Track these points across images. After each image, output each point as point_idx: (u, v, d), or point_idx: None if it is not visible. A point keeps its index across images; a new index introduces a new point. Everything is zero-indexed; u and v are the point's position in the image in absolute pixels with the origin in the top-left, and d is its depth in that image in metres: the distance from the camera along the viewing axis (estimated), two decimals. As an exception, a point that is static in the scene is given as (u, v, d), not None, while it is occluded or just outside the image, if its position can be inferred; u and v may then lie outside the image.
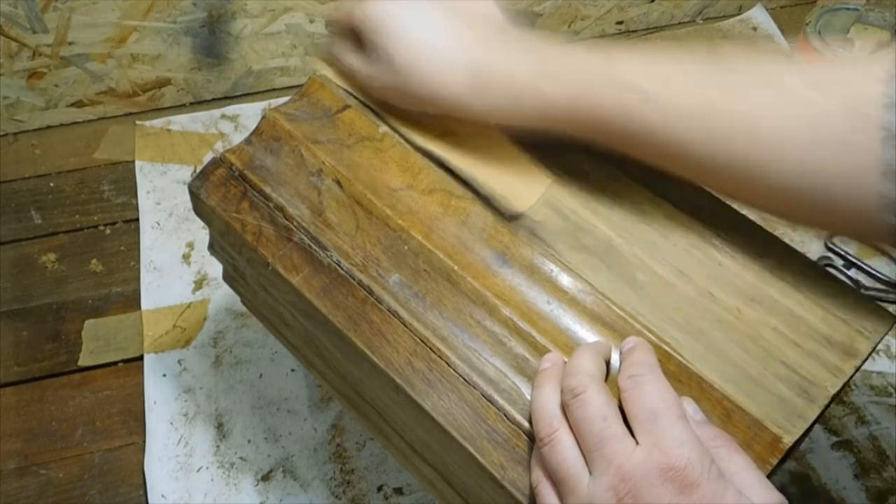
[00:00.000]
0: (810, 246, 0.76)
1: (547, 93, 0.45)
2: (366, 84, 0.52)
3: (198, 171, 0.56)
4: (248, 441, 0.64)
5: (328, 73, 0.55)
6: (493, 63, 0.47)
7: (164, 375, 0.68)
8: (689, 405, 0.41)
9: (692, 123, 0.42)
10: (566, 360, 0.42)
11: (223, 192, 0.52)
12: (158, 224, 0.78)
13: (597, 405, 0.38)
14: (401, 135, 0.52)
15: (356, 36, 0.50)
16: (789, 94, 0.41)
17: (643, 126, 0.43)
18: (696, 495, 0.35)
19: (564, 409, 0.39)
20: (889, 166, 0.38)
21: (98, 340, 0.70)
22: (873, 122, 0.38)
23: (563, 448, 0.38)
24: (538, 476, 0.39)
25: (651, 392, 0.38)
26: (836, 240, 0.76)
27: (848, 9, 0.81)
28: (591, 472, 0.37)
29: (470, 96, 0.47)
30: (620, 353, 0.43)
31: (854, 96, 0.39)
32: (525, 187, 0.50)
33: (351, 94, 0.54)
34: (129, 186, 0.81)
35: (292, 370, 0.68)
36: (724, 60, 0.43)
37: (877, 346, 0.45)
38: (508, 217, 0.48)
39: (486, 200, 0.49)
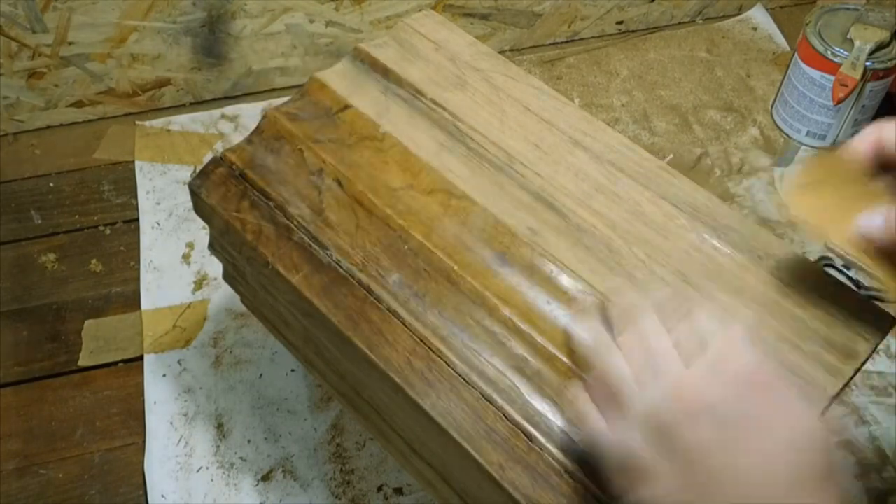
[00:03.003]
0: (810, 246, 0.76)
1: None
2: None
3: (198, 171, 0.56)
4: (248, 441, 0.64)
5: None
6: None
7: (164, 375, 0.68)
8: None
9: None
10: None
11: (223, 190, 0.52)
12: (158, 224, 0.78)
13: (646, 328, 0.39)
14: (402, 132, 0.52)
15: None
16: None
17: None
18: (770, 392, 0.36)
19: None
20: None
21: (98, 340, 0.70)
22: None
23: (618, 362, 0.39)
24: (580, 397, 0.40)
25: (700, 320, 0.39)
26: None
27: (848, 9, 0.81)
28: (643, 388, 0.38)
29: None
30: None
31: None
32: None
33: (358, 88, 0.53)
34: (129, 186, 0.81)
35: (292, 370, 0.68)
36: None
37: (876, 347, 0.45)
38: None
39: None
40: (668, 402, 0.36)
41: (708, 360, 0.37)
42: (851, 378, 0.44)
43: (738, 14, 0.98)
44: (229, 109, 0.87)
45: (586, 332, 0.42)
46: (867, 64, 0.77)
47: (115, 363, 0.69)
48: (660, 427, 0.36)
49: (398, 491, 0.62)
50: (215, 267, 0.69)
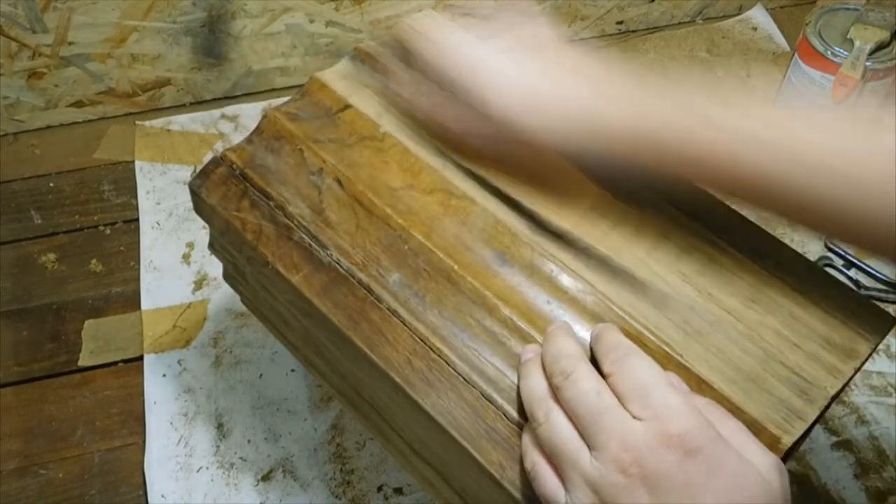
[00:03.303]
0: (810, 246, 0.76)
1: (604, 114, 0.44)
2: (418, 106, 0.50)
3: (198, 170, 0.57)
4: (248, 441, 0.64)
5: (370, 91, 0.54)
6: (548, 81, 0.45)
7: (164, 375, 0.68)
8: (674, 378, 0.41)
9: (754, 148, 0.41)
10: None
11: (224, 190, 0.52)
12: (158, 224, 0.78)
13: (589, 381, 0.39)
14: (402, 131, 0.52)
15: (407, 56, 0.50)
16: (854, 133, 0.41)
17: (704, 149, 0.42)
18: (700, 458, 0.35)
19: (555, 392, 0.40)
20: None
21: (98, 340, 0.70)
22: None
23: (561, 424, 0.38)
24: (534, 458, 0.39)
25: (637, 368, 0.39)
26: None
27: (848, 9, 0.81)
28: (590, 449, 0.37)
29: (522, 115, 0.45)
30: (590, 341, 0.43)
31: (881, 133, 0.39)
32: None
33: (359, 88, 0.54)
34: (129, 186, 0.81)
35: (292, 370, 0.68)
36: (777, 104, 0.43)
37: (877, 347, 0.45)
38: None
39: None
40: (612, 473, 0.36)
41: (651, 422, 0.36)
42: (851, 378, 0.44)
43: (738, 14, 0.98)
44: (229, 109, 0.87)
45: (526, 385, 0.41)
46: (867, 64, 0.77)
47: (115, 363, 0.69)
48: (603, 500, 0.36)
49: (398, 491, 0.62)
50: (215, 267, 0.69)
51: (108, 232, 0.78)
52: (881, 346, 0.69)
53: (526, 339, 0.44)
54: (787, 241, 0.65)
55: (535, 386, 0.41)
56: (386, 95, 0.53)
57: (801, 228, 0.45)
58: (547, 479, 0.38)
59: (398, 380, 0.44)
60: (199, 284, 0.73)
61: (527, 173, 0.49)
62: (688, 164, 0.43)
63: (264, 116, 0.54)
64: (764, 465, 0.36)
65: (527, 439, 0.40)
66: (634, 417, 0.37)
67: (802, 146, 0.40)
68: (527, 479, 0.40)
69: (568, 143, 0.45)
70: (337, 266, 0.48)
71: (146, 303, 0.72)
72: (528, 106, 0.45)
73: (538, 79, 0.46)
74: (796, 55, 0.82)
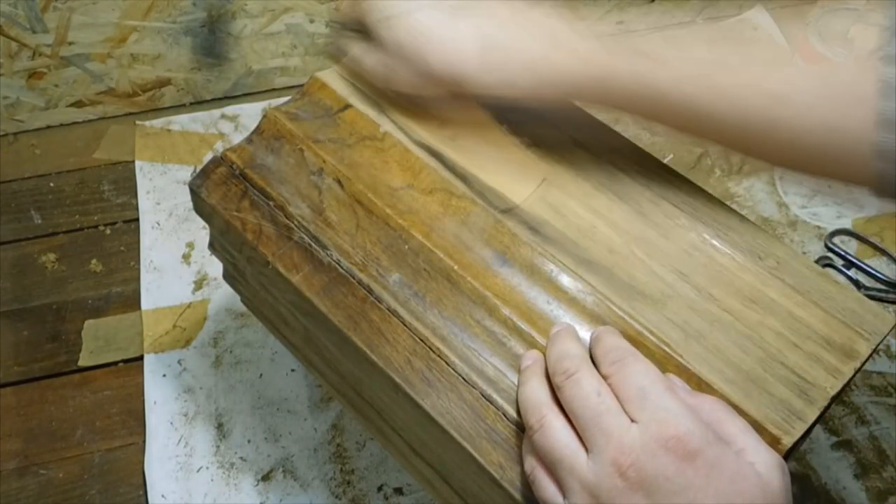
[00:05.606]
0: (810, 246, 0.76)
1: (559, 61, 0.46)
2: (375, 74, 0.51)
3: (198, 170, 0.57)
4: (248, 441, 0.64)
5: (337, 68, 0.55)
6: (503, 35, 0.47)
7: (164, 375, 0.68)
8: (675, 379, 0.41)
9: (703, 83, 0.44)
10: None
11: (224, 190, 0.52)
12: (158, 224, 0.78)
13: (591, 382, 0.39)
14: (401, 128, 0.52)
15: (362, 28, 0.51)
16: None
17: (655, 90, 0.44)
18: (699, 461, 0.35)
19: (556, 392, 0.40)
20: (881, 115, 0.40)
21: (98, 340, 0.70)
22: (872, 73, 0.41)
23: (556, 430, 0.38)
24: (531, 464, 0.39)
25: (635, 371, 0.39)
26: (836, 240, 0.76)
27: (848, 9, 0.81)
28: (588, 451, 0.37)
29: (481, 70, 0.47)
30: (590, 344, 0.43)
31: (857, 50, 0.41)
32: (519, 181, 0.50)
33: (359, 88, 0.54)
34: (129, 186, 0.81)
35: (292, 370, 0.68)
36: (732, 37, 0.46)
37: (877, 347, 0.45)
38: (502, 210, 0.49)
39: (482, 194, 0.49)
40: (610, 477, 0.36)
41: (649, 424, 0.36)
42: (852, 378, 0.44)
43: (738, 14, 0.98)
44: (229, 109, 0.87)
45: (523, 392, 0.41)
46: (867, 64, 0.77)
47: (115, 363, 0.69)
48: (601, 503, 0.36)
49: (398, 491, 0.62)
50: (215, 267, 0.70)
51: (108, 232, 0.78)
52: (881, 346, 0.69)
53: (526, 339, 0.44)
54: (787, 241, 0.65)
55: (531, 392, 0.41)
56: (346, 67, 0.54)
57: (757, 160, 0.48)
58: (545, 484, 0.38)
59: (398, 380, 0.44)
60: (199, 284, 0.73)
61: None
62: (642, 107, 0.46)
63: (264, 116, 0.54)
64: (765, 466, 0.36)
65: (526, 444, 0.40)
66: (632, 420, 0.37)
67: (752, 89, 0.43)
68: (526, 480, 0.40)
69: (528, 91, 0.47)
70: (337, 266, 0.48)
71: (146, 303, 0.72)
72: (487, 62, 0.46)
73: (493, 32, 0.47)
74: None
